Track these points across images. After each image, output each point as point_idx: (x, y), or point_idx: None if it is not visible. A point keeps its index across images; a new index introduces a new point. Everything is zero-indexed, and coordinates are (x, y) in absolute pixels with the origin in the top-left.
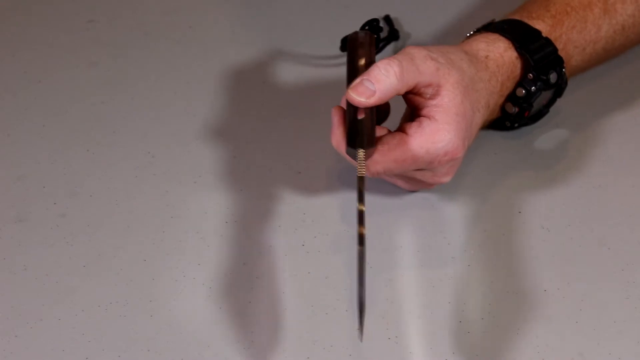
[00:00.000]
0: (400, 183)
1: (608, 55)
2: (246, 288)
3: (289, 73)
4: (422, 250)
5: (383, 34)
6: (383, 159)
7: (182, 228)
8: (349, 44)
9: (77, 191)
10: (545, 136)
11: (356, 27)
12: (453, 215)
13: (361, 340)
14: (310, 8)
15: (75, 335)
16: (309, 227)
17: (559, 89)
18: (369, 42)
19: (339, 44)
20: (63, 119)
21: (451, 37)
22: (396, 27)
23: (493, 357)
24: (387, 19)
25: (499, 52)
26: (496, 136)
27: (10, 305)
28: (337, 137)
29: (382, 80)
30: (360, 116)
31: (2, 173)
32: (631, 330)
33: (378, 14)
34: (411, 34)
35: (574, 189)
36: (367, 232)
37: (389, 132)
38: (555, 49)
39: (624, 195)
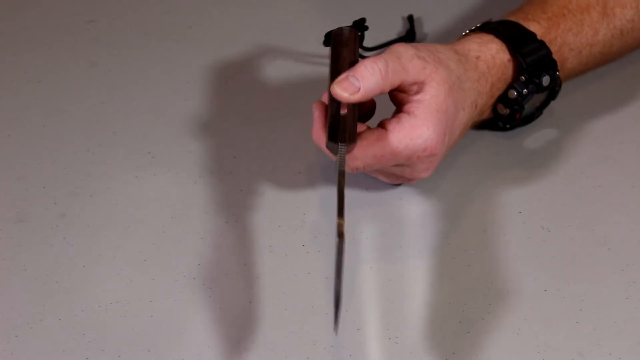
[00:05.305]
0: (381, 177)
1: (605, 59)
2: (246, 288)
3: (289, 73)
4: (422, 250)
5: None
6: (362, 154)
7: (182, 228)
8: (332, 40)
9: (77, 191)
10: (545, 136)
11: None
12: (453, 215)
13: (336, 334)
14: (312, 8)
15: (75, 335)
16: (309, 227)
17: (552, 92)
18: (353, 38)
19: None
20: (63, 119)
21: None
22: (416, 28)
23: (493, 357)
24: (410, 19)
25: (491, 54)
26: (496, 136)
27: (10, 305)
28: (318, 132)
29: (367, 78)
30: (343, 112)
31: (2, 173)
32: (631, 330)
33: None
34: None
35: (574, 189)
36: (368, 232)
37: (368, 128)
38: (549, 52)
39: (624, 195)
